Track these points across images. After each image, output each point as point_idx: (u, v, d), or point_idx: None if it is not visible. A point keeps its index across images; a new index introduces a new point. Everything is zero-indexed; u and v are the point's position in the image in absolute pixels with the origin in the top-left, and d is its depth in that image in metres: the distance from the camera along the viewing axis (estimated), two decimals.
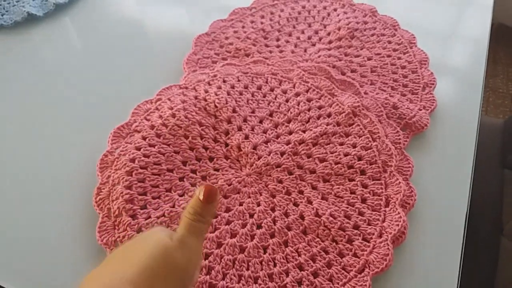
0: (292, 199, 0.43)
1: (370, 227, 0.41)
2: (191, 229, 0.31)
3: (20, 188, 0.46)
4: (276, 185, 0.44)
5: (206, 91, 0.51)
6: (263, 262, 0.39)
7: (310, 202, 0.43)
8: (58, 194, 0.46)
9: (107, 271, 0.30)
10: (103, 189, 0.44)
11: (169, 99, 0.51)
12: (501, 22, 1.82)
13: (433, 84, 0.54)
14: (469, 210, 0.45)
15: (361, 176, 0.45)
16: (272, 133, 0.48)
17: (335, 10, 0.65)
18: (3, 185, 0.47)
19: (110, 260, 0.31)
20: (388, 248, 0.39)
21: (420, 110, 0.51)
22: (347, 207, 0.42)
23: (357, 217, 0.42)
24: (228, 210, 0.43)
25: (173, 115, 0.48)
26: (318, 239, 0.40)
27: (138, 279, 0.27)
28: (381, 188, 0.44)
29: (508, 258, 0.74)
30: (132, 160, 0.45)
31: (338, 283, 0.38)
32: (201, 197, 0.31)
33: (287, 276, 0.38)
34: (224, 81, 0.52)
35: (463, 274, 0.41)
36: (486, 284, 0.71)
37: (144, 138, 0.47)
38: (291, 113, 0.50)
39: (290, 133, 0.48)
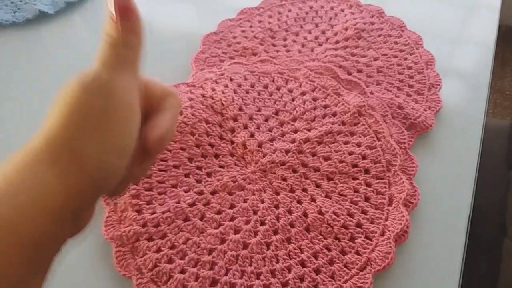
0: (296, 196, 0.44)
1: (372, 225, 0.41)
2: (110, 58, 0.25)
3: None
4: (280, 183, 0.45)
5: (213, 89, 0.52)
6: (266, 258, 0.40)
7: (313, 200, 0.43)
8: None
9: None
10: None
11: None
12: (508, 24, 1.81)
13: (438, 85, 0.54)
14: (474, 212, 0.45)
15: (365, 175, 0.45)
16: (277, 131, 0.49)
17: (342, 10, 0.65)
18: None
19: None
20: (390, 247, 0.40)
21: (426, 110, 0.51)
22: (351, 206, 0.43)
23: (360, 216, 0.42)
24: (232, 206, 0.43)
25: (180, 113, 0.49)
26: (321, 237, 0.41)
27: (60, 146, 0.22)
28: (385, 187, 0.44)
29: None
30: None
31: (340, 280, 0.38)
32: (113, 13, 0.25)
33: (290, 272, 0.39)
34: (231, 80, 0.53)
35: (465, 276, 0.41)
36: (489, 285, 0.71)
37: None
38: (296, 112, 0.50)
39: (295, 131, 0.49)
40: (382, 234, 0.41)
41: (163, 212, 0.42)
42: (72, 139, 0.23)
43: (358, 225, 0.42)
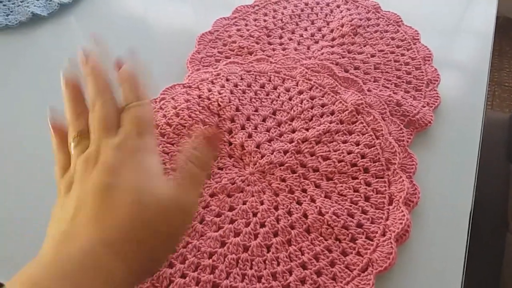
0: (296, 197, 0.43)
1: (373, 225, 0.41)
2: (195, 176, 0.28)
3: (24, 186, 0.47)
4: (279, 184, 0.44)
5: (210, 90, 0.51)
6: (267, 261, 0.39)
7: (313, 200, 0.43)
8: None
9: (80, 227, 0.25)
10: None
11: (172, 99, 0.51)
12: (506, 15, 1.80)
13: (437, 80, 0.54)
14: (474, 207, 0.45)
15: (364, 174, 0.45)
16: (275, 131, 0.48)
17: (338, 7, 0.64)
18: (7, 182, 0.47)
19: (83, 209, 0.26)
20: (391, 247, 0.39)
21: (424, 107, 0.51)
22: (351, 205, 0.42)
23: (361, 216, 0.42)
24: (231, 209, 0.43)
25: (177, 114, 0.48)
26: (321, 238, 0.41)
27: (121, 245, 0.24)
28: (385, 186, 0.44)
29: None
30: None
31: (341, 282, 0.38)
32: (202, 139, 0.28)
33: (291, 275, 0.39)
34: (227, 80, 0.53)
35: (467, 271, 0.41)
36: (491, 280, 0.71)
37: None
38: (294, 111, 0.50)
39: (293, 131, 0.48)
40: (383, 234, 0.40)
41: None
42: (140, 240, 0.25)
43: (359, 225, 0.41)
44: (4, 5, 0.67)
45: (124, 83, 0.31)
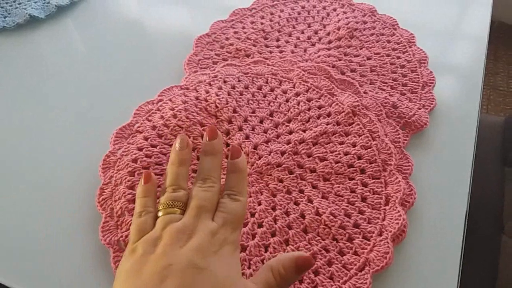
0: (293, 198, 0.44)
1: (370, 225, 0.41)
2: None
3: (23, 189, 0.47)
4: (276, 185, 0.44)
5: (207, 92, 0.51)
6: (265, 261, 0.40)
7: (310, 201, 0.43)
8: (61, 195, 0.46)
9: None
10: (106, 189, 0.44)
11: (170, 100, 0.51)
12: (501, 20, 1.82)
13: (432, 83, 0.54)
14: (470, 208, 0.46)
15: (361, 175, 0.45)
16: (272, 133, 0.49)
17: (334, 10, 0.65)
18: (6, 185, 0.47)
19: (170, 279, 0.26)
20: (388, 246, 0.40)
21: (420, 109, 0.51)
22: (347, 206, 0.43)
23: (357, 216, 0.42)
24: None
25: (175, 116, 0.49)
26: (318, 238, 0.41)
27: None
28: (381, 187, 0.44)
29: (509, 256, 0.74)
30: (134, 161, 0.45)
31: (338, 281, 0.38)
32: (296, 263, 0.29)
33: None
34: (225, 82, 0.53)
35: (463, 273, 0.41)
36: (487, 282, 0.71)
37: (146, 139, 0.47)
38: (291, 113, 0.50)
39: (290, 132, 0.49)
40: (380, 234, 0.41)
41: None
42: None
43: (356, 225, 0.42)
44: (1, 7, 0.68)
45: (233, 173, 0.32)
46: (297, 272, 0.29)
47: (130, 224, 0.41)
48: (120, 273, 0.29)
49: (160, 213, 0.30)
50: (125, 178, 0.44)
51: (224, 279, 0.26)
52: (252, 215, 0.43)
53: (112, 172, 0.46)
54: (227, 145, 0.48)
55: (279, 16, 0.64)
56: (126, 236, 0.41)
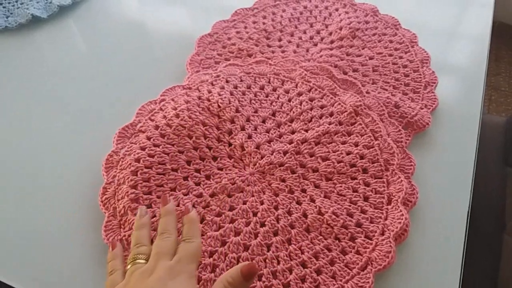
0: (295, 197, 0.44)
1: (372, 225, 0.41)
2: None
3: (27, 188, 0.47)
4: (279, 184, 0.45)
5: (209, 92, 0.51)
6: (267, 260, 0.40)
7: (313, 200, 0.43)
8: (65, 194, 0.46)
9: None
10: (109, 188, 0.45)
11: (173, 100, 0.51)
12: (503, 21, 1.82)
13: (434, 82, 0.54)
14: (471, 208, 0.46)
15: (363, 175, 0.45)
16: (275, 132, 0.49)
17: (336, 10, 0.65)
18: (10, 185, 0.47)
19: None
20: (390, 246, 0.40)
21: (422, 108, 0.51)
22: (350, 205, 0.43)
23: (360, 215, 0.42)
24: (232, 208, 0.43)
25: (177, 115, 0.49)
26: (321, 237, 0.41)
27: None
28: (383, 186, 0.44)
29: (511, 256, 0.74)
30: (137, 160, 0.46)
31: (341, 280, 0.38)
32: (241, 271, 0.33)
33: (291, 273, 0.39)
34: (227, 82, 0.53)
35: (465, 272, 0.41)
36: (488, 282, 0.71)
37: (148, 138, 0.47)
38: (293, 112, 0.50)
39: (293, 132, 0.49)
40: (382, 233, 0.41)
41: None
42: None
43: (358, 224, 0.42)
44: (4, 7, 0.68)
45: (186, 224, 0.37)
46: (244, 279, 0.33)
47: (133, 223, 0.41)
48: None
49: (128, 267, 0.36)
50: (128, 178, 0.44)
51: None
52: (255, 214, 0.43)
53: (115, 171, 0.46)
54: (230, 144, 0.48)
55: (281, 16, 0.64)
56: (129, 236, 0.41)
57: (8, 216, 0.45)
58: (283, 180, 0.45)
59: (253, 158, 0.46)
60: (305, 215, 0.42)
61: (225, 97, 0.50)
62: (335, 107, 0.50)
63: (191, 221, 0.38)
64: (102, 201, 0.44)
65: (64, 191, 0.46)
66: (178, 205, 0.43)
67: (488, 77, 1.76)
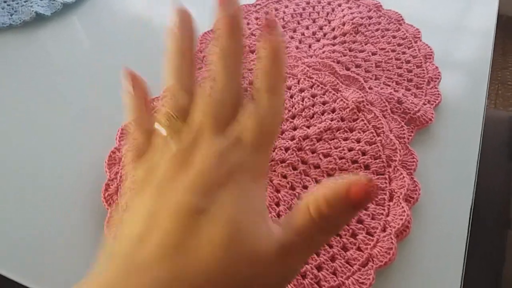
0: (297, 194, 0.44)
1: (374, 221, 0.41)
2: (308, 240, 0.20)
3: (29, 185, 0.47)
4: (280, 180, 0.45)
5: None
6: None
7: None
8: (67, 191, 0.47)
9: (149, 259, 0.18)
10: (111, 185, 0.45)
11: None
12: (509, 15, 1.80)
13: (438, 78, 0.54)
14: (475, 204, 0.45)
15: (365, 171, 0.45)
16: None
17: (339, 5, 0.65)
18: (12, 181, 0.48)
19: (156, 232, 0.19)
20: (392, 242, 0.40)
21: (425, 104, 0.51)
22: None
23: (361, 212, 0.42)
24: None
25: None
26: None
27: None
28: (385, 183, 0.44)
29: None
30: None
31: (342, 277, 0.38)
32: (347, 197, 0.18)
33: None
34: None
35: (469, 267, 0.41)
36: (492, 277, 0.71)
37: None
38: (295, 109, 0.50)
39: (295, 128, 0.49)
40: (384, 229, 0.41)
41: None
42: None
43: (359, 221, 0.42)
44: (8, 5, 0.68)
45: (269, 61, 0.21)
46: (351, 209, 0.19)
47: None
48: (121, 212, 0.23)
49: (156, 125, 0.23)
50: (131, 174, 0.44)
51: (235, 221, 0.18)
52: None
53: (118, 168, 0.46)
54: None
55: (284, 12, 0.64)
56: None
57: (9, 212, 0.45)
58: (285, 177, 0.45)
59: None
60: None
61: None
62: (337, 103, 0.50)
63: (277, 56, 0.21)
64: (105, 198, 0.44)
65: (67, 188, 0.47)
66: None
67: (495, 72, 1.75)
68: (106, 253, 0.22)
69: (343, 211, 0.19)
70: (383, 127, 0.47)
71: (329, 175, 0.45)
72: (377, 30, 0.60)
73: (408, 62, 0.56)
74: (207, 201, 0.19)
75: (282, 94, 0.21)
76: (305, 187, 0.44)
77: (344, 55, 0.57)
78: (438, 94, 0.52)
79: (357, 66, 0.56)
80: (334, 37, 0.60)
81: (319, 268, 0.39)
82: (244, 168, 0.20)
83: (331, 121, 0.48)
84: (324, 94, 0.51)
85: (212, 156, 0.20)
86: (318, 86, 0.52)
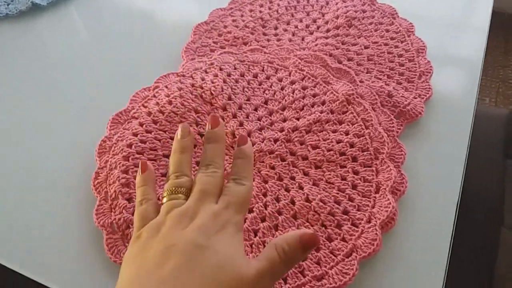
0: (284, 184, 0.44)
1: (359, 212, 0.42)
2: (275, 268, 0.28)
3: (21, 173, 0.48)
4: (268, 171, 0.45)
5: (203, 79, 0.52)
6: (253, 245, 0.40)
7: (301, 187, 0.44)
8: (57, 178, 0.47)
9: (173, 277, 0.26)
10: (101, 173, 0.45)
11: (166, 87, 0.52)
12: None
13: (429, 72, 0.54)
14: (470, 200, 0.45)
15: (352, 163, 0.45)
16: (266, 120, 0.49)
17: None
18: (5, 175, 0.48)
19: (173, 258, 0.26)
20: (376, 234, 0.40)
21: (415, 98, 0.51)
22: (338, 193, 0.43)
23: (347, 203, 0.42)
24: None
25: (170, 102, 0.49)
26: (307, 224, 0.41)
27: None
28: (372, 175, 0.44)
29: (509, 249, 0.74)
30: (129, 146, 0.46)
31: (325, 266, 0.39)
32: (301, 240, 0.29)
33: None
34: (221, 69, 0.53)
35: (461, 265, 0.41)
36: (485, 274, 0.71)
37: (141, 125, 0.48)
38: (285, 101, 0.50)
39: (284, 120, 0.49)
40: (369, 221, 0.41)
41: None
42: None
43: (345, 212, 0.42)
44: None
45: (239, 159, 0.33)
46: (302, 250, 0.29)
47: (123, 207, 0.42)
48: (127, 259, 0.29)
49: (164, 200, 0.31)
50: (120, 163, 0.45)
51: (226, 257, 0.27)
52: None
53: (108, 156, 0.46)
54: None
55: (278, 5, 0.64)
56: (119, 219, 0.42)
57: (2, 201, 0.46)
58: (273, 168, 0.45)
59: None
60: (293, 202, 0.43)
61: (218, 85, 0.51)
62: (327, 96, 0.50)
63: (246, 157, 0.33)
64: (94, 186, 0.45)
65: (57, 175, 0.47)
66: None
67: (497, 70, 1.74)
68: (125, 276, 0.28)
69: (297, 251, 0.29)
70: (372, 120, 0.47)
71: (316, 166, 0.45)
72: (370, 23, 0.60)
73: (400, 56, 0.56)
74: (208, 242, 0.27)
75: (251, 181, 0.32)
76: (293, 178, 0.45)
77: (337, 48, 0.57)
78: (429, 88, 0.53)
79: (349, 59, 0.56)
80: (327, 30, 0.60)
81: None
82: (230, 223, 0.29)
83: (321, 113, 0.49)
84: (314, 87, 0.51)
85: (211, 215, 0.29)
86: (309, 78, 0.52)
